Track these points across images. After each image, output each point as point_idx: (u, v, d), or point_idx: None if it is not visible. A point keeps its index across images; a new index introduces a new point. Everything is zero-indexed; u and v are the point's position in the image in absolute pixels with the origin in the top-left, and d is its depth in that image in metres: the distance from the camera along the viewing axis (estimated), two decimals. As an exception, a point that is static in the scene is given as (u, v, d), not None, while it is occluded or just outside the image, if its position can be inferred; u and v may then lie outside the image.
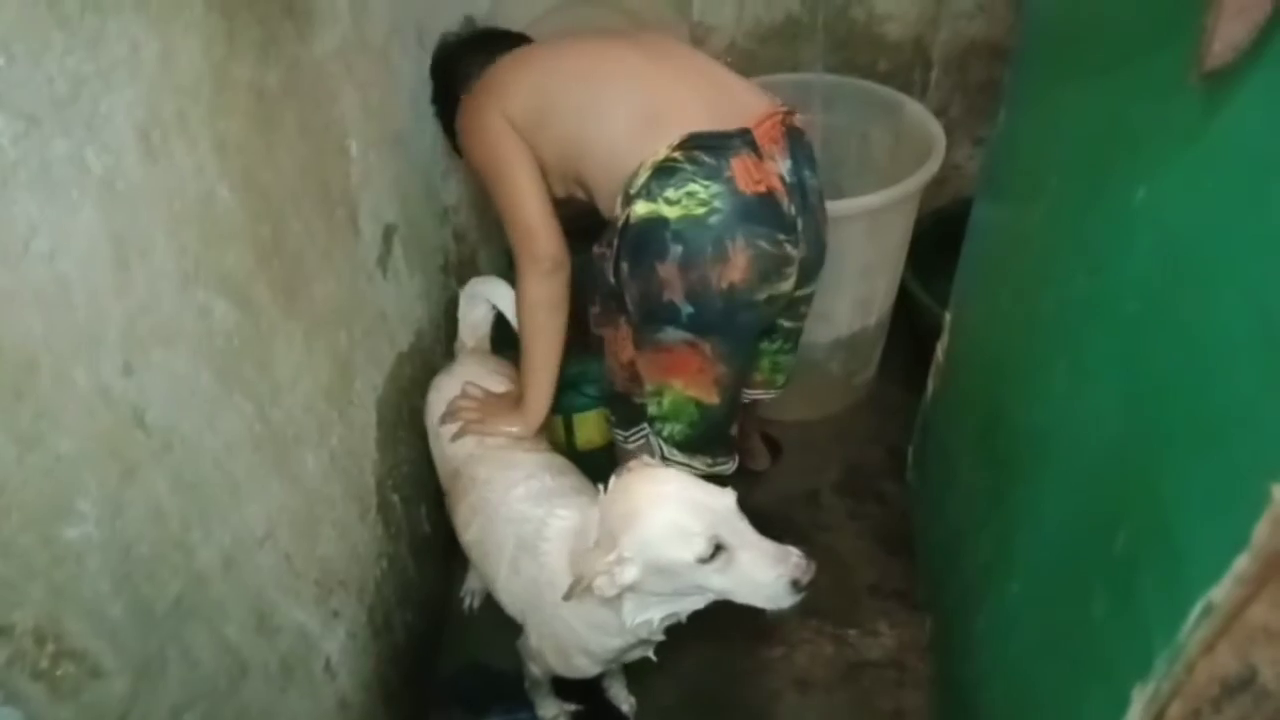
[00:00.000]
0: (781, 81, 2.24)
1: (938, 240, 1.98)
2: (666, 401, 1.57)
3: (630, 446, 1.76)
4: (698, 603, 1.23)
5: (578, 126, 1.45)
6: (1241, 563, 0.67)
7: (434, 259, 1.94)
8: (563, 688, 1.72)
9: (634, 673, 1.82)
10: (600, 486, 1.28)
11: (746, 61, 2.30)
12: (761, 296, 1.45)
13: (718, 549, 1.12)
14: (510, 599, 1.46)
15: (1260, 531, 0.65)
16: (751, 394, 1.80)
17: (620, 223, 1.42)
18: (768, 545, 1.14)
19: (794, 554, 1.14)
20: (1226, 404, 0.72)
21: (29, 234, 0.74)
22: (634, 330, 1.54)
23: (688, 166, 1.35)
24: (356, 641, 1.40)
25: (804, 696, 1.81)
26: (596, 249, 1.54)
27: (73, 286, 0.80)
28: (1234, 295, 0.72)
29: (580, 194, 1.56)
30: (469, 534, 1.53)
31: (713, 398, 1.55)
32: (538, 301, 1.54)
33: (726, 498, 1.16)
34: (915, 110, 2.09)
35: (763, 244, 1.39)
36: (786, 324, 1.66)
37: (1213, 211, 0.77)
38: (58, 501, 0.79)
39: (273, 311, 1.15)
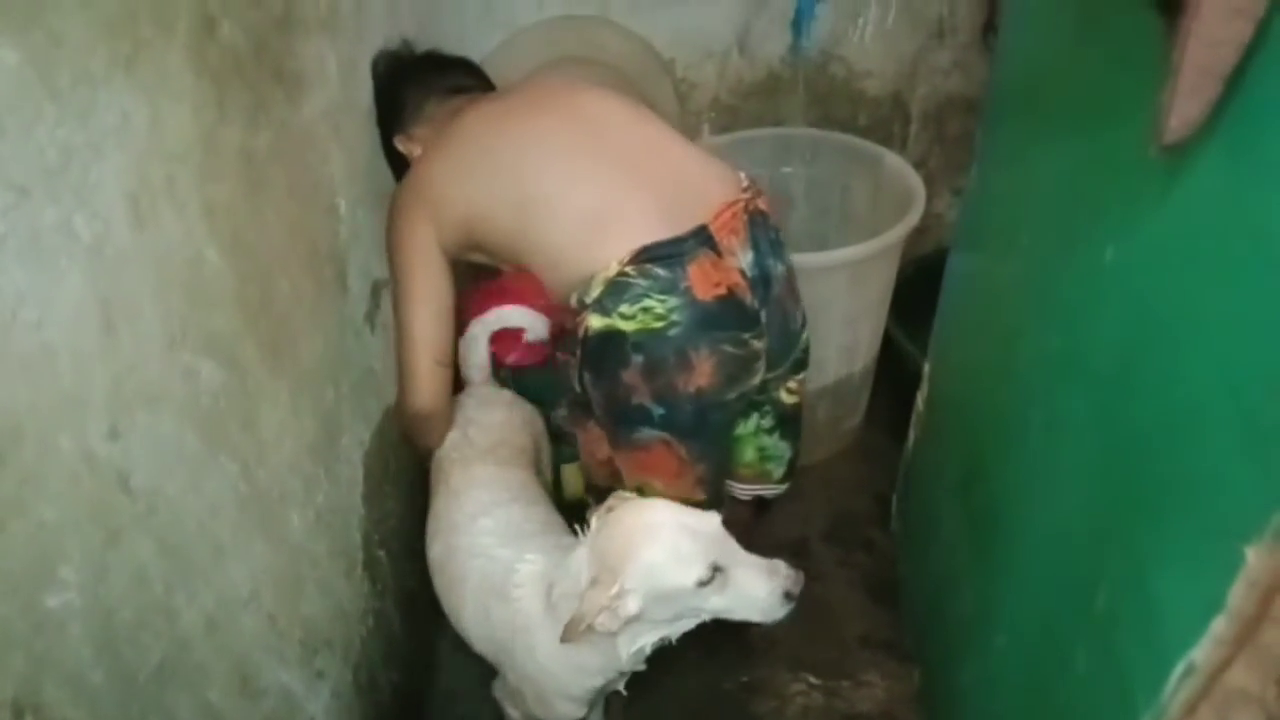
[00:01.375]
0: (763, 136, 2.28)
1: (920, 288, 2.00)
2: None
3: None
4: (690, 624, 1.25)
5: (518, 228, 1.39)
6: (1219, 624, 0.68)
7: (421, 312, 1.94)
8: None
9: (623, 728, 1.80)
10: (578, 528, 1.29)
11: (729, 117, 2.34)
12: (732, 396, 1.42)
13: (715, 571, 1.15)
14: (481, 643, 1.46)
15: (1236, 593, 0.66)
16: (748, 489, 1.74)
17: (580, 333, 1.38)
18: (758, 561, 1.19)
19: (782, 566, 1.18)
20: (1198, 465, 0.73)
21: (17, 304, 0.75)
22: (608, 431, 1.50)
23: (641, 282, 1.30)
24: (341, 701, 1.38)
25: (795, 751, 1.79)
26: (560, 355, 1.50)
27: (59, 353, 0.80)
28: (1201, 358, 0.74)
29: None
30: (432, 551, 1.52)
31: (697, 495, 1.50)
32: (401, 417, 1.59)
33: (714, 520, 1.19)
34: (895, 162, 2.13)
35: (727, 348, 1.36)
36: (762, 397, 1.58)
37: (1178, 276, 0.79)
38: (40, 570, 0.79)
39: (259, 371, 1.16)
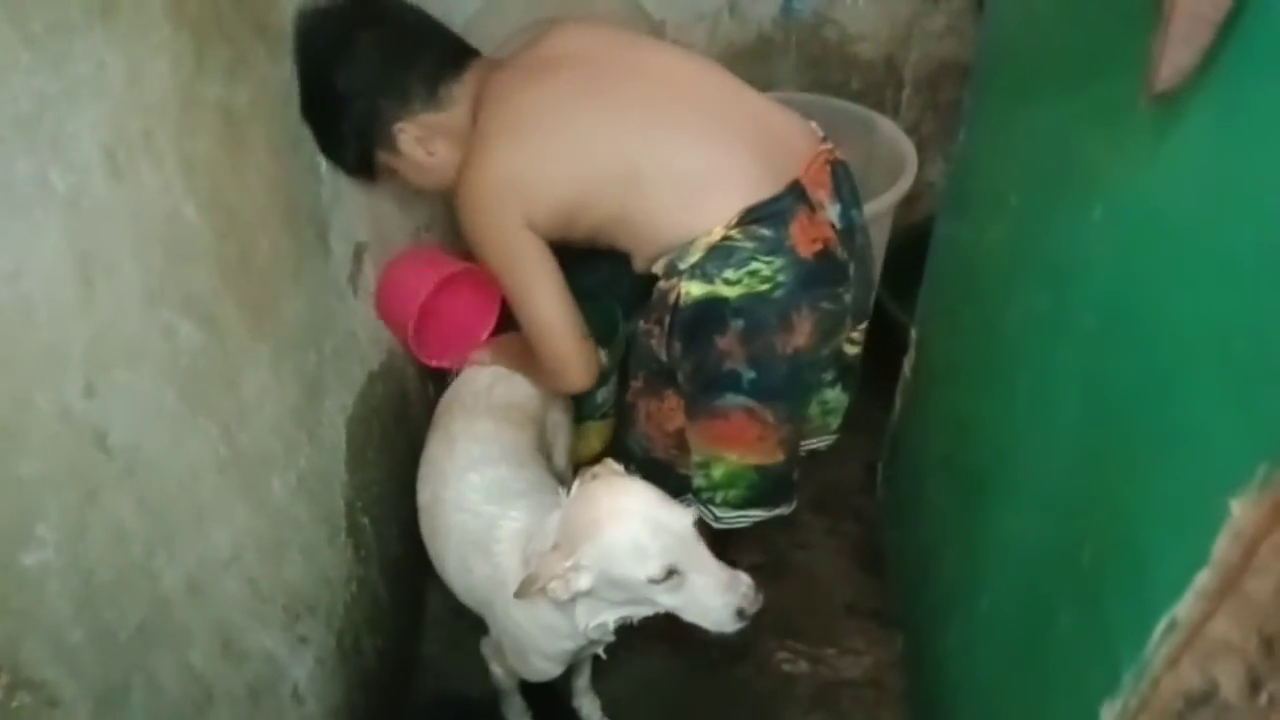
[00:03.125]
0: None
1: (912, 256, 1.99)
2: (718, 473, 1.50)
3: None
4: (649, 610, 1.24)
5: (619, 203, 1.32)
6: (1203, 578, 0.68)
7: (407, 278, 1.93)
8: (538, 711, 1.71)
9: (609, 695, 1.81)
10: (563, 490, 1.29)
11: (719, 81, 2.32)
12: (825, 353, 1.41)
13: (670, 572, 1.14)
14: (463, 593, 1.48)
15: (1220, 546, 0.65)
16: (807, 445, 1.70)
17: (670, 300, 1.33)
18: (720, 573, 1.16)
19: (743, 584, 1.16)
20: (1185, 420, 0.73)
21: (-10, 254, 0.74)
22: (689, 401, 1.45)
23: (748, 245, 1.27)
24: (325, 667, 1.38)
25: (782, 716, 1.80)
26: (643, 325, 1.44)
27: (35, 306, 0.79)
28: (1189, 313, 0.73)
29: (599, 244, 1.45)
30: (421, 497, 1.54)
31: (777, 457, 1.48)
32: (556, 391, 1.55)
33: (685, 519, 1.17)
34: (888, 128, 2.11)
35: (825, 305, 1.35)
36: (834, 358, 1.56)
37: (1167, 230, 0.78)
38: (16, 527, 0.78)
39: (240, 331, 1.14)
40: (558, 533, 1.21)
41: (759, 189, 1.28)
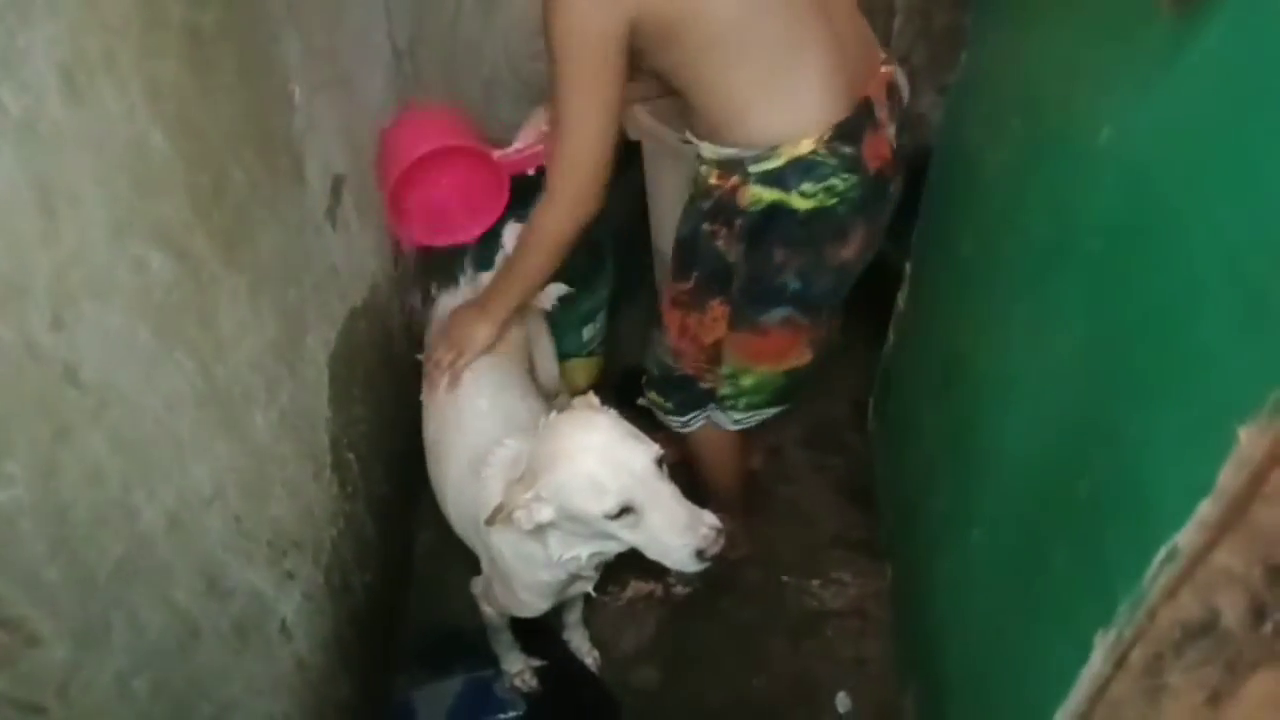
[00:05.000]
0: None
1: (902, 191, 1.95)
2: (748, 382, 1.55)
3: (684, 431, 1.70)
4: (616, 546, 1.24)
5: (717, 52, 1.24)
6: (1206, 507, 0.66)
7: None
8: (527, 643, 1.72)
9: (597, 626, 1.82)
10: (544, 419, 1.28)
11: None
12: (862, 266, 1.45)
13: (627, 509, 1.14)
14: (460, 522, 1.49)
15: (1226, 475, 0.64)
16: None
17: (739, 202, 1.31)
18: (680, 512, 1.15)
19: (705, 524, 1.15)
20: (1193, 346, 0.71)
21: (-61, 178, 0.69)
22: (735, 311, 1.45)
23: (830, 161, 1.27)
24: (313, 603, 1.37)
25: (767, 646, 1.82)
26: (706, 226, 1.39)
27: (-10, 235, 0.75)
28: (1201, 234, 0.71)
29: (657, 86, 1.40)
30: (428, 431, 1.55)
31: (806, 359, 1.53)
32: (555, 239, 1.37)
33: (647, 458, 1.16)
34: (878, 58, 2.05)
35: (876, 220, 1.39)
36: None
37: (1180, 148, 0.76)
38: (-17, 463, 0.75)
39: (214, 264, 1.10)
40: (526, 463, 1.22)
41: (841, 103, 1.28)
